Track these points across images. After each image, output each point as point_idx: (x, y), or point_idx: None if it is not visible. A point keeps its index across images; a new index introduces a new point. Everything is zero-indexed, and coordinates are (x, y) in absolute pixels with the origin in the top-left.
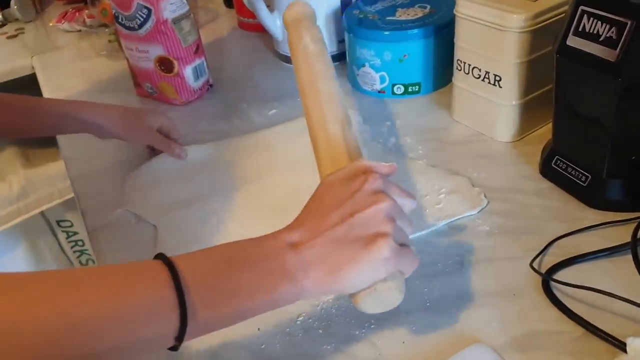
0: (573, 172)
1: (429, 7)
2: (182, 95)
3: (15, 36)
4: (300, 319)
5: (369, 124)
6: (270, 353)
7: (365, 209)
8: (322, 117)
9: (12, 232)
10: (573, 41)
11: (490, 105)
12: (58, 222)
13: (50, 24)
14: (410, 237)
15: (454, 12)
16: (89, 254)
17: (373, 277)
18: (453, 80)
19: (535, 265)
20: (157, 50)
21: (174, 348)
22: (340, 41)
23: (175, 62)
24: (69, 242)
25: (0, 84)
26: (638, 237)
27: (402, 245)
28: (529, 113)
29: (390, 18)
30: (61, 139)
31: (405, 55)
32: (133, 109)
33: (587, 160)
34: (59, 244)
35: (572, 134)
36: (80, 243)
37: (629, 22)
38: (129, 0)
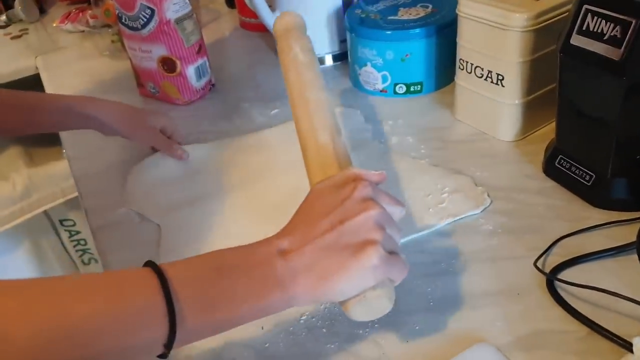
0: (577, 171)
1: (430, 6)
2: (184, 95)
3: (19, 37)
4: (303, 318)
5: (371, 124)
6: (274, 352)
7: (355, 216)
8: (311, 125)
9: (15, 231)
10: (577, 40)
11: (493, 104)
12: (61, 221)
13: (54, 25)
14: (414, 236)
15: (457, 11)
16: (91, 253)
17: (362, 285)
18: (455, 79)
19: (539, 264)
20: (160, 50)
21: (162, 356)
22: (342, 41)
23: (178, 62)
24: (72, 241)
25: (4, 84)
26: None
27: (392, 253)
28: (531, 112)
29: (392, 17)
30: (65, 138)
31: (407, 55)
32: (136, 108)
33: (591, 159)
34: (62, 243)
35: (576, 133)
36: (82, 242)
37: (634, 21)
38: (132, 0)
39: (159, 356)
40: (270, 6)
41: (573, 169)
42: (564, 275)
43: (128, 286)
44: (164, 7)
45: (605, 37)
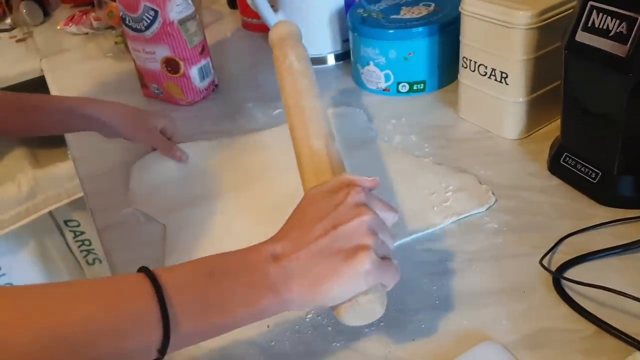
0: (583, 169)
1: (433, 5)
2: (188, 95)
3: (24, 39)
4: (309, 316)
5: (374, 123)
6: (280, 350)
7: (348, 221)
8: (306, 132)
9: (21, 232)
10: (582, 37)
11: (497, 102)
12: (65, 222)
13: (58, 27)
14: (418, 234)
15: (460, 9)
16: (96, 254)
17: (355, 290)
18: (459, 77)
19: (544, 262)
20: (163, 51)
21: None
22: (345, 40)
23: (182, 63)
24: (76, 241)
25: (10, 86)
26: None
27: (384, 258)
28: (535, 110)
29: (395, 16)
30: (70, 138)
31: (410, 54)
32: (137, 108)
33: (597, 157)
34: (67, 243)
35: (581, 131)
36: (87, 243)
37: None
38: (136, 2)
39: None
40: (272, 6)
41: (579, 166)
42: (570, 273)
43: (122, 292)
44: (168, 8)
45: (611, 34)
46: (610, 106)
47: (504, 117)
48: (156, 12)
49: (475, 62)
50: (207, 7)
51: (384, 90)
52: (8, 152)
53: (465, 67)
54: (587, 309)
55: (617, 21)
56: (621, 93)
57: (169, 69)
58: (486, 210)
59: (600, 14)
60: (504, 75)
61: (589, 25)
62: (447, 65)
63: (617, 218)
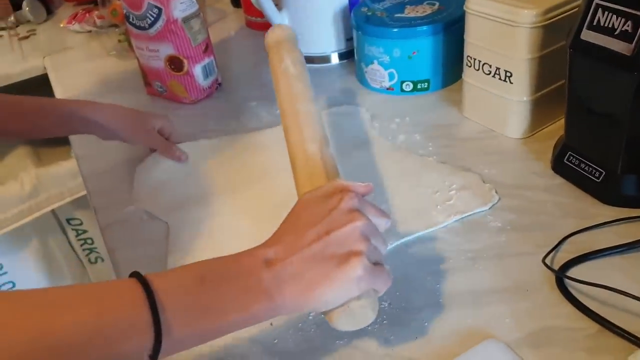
0: (586, 168)
1: (437, 4)
2: (191, 93)
3: (27, 37)
4: (312, 313)
5: (378, 121)
6: (283, 348)
7: (341, 227)
8: (300, 136)
9: (23, 230)
10: (587, 35)
11: (501, 101)
12: (68, 221)
13: (61, 25)
14: (422, 233)
15: (464, 8)
16: (98, 252)
17: (347, 295)
18: (463, 76)
19: (547, 261)
20: (167, 50)
21: None
22: (349, 39)
23: (185, 61)
24: (79, 240)
25: (13, 84)
26: None
27: (376, 263)
28: (540, 109)
29: (399, 15)
30: (73, 137)
31: (414, 52)
32: (134, 110)
33: (601, 156)
34: (69, 242)
35: (585, 130)
36: (89, 241)
37: None
38: (139, 0)
39: None
40: (276, 5)
41: (582, 165)
42: (573, 272)
43: (113, 297)
44: (171, 6)
45: (616, 32)
46: (614, 105)
47: (508, 116)
48: (160, 9)
49: (480, 61)
50: (211, 6)
51: (387, 89)
52: (11, 151)
53: (470, 66)
54: (590, 307)
55: (623, 20)
56: (626, 92)
57: (172, 67)
58: (489, 208)
59: (606, 13)
60: (508, 74)
61: (594, 23)
62: (452, 64)
63: (621, 217)
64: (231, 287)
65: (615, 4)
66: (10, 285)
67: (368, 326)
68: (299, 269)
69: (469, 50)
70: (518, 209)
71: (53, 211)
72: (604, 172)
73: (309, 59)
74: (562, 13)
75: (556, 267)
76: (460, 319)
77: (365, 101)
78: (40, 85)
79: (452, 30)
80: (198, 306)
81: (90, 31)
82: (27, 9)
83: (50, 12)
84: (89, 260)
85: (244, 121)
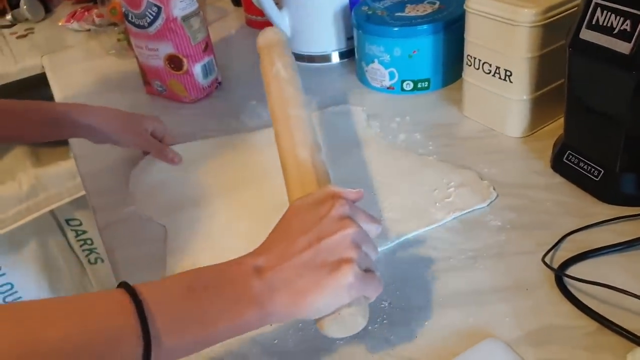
0: (585, 167)
1: (438, 3)
2: (191, 93)
3: (25, 36)
4: None
5: (378, 121)
6: (283, 347)
7: (332, 234)
8: (292, 142)
9: (22, 231)
10: (586, 34)
11: (501, 100)
12: (67, 221)
13: (60, 24)
14: (422, 230)
15: (464, 7)
16: (98, 253)
17: (338, 303)
18: (463, 75)
19: (547, 260)
20: (166, 48)
21: None
22: (349, 38)
23: (185, 60)
24: (78, 240)
25: (10, 83)
26: None
27: (367, 270)
28: (539, 108)
29: (399, 14)
30: None
31: (414, 51)
32: (126, 112)
33: (600, 155)
34: (68, 242)
35: (584, 129)
36: (89, 242)
37: None
38: None
39: None
40: (276, 4)
41: (581, 164)
42: (573, 270)
43: (101, 308)
44: (171, 4)
45: (615, 31)
46: (613, 104)
47: (508, 115)
48: (159, 8)
49: (480, 60)
50: (211, 4)
51: (388, 88)
52: (9, 151)
53: (470, 65)
54: (590, 305)
55: (622, 19)
56: (624, 91)
57: (172, 66)
58: (488, 205)
59: (605, 12)
60: (508, 73)
61: (593, 23)
62: (452, 63)
63: (620, 215)
64: (221, 295)
65: (614, 3)
66: (9, 286)
67: (368, 326)
68: (290, 276)
69: (469, 49)
70: (518, 208)
71: (52, 212)
72: (603, 171)
73: (310, 58)
74: (561, 12)
75: (556, 265)
76: (460, 318)
77: (366, 100)
78: (38, 84)
79: (452, 29)
80: (188, 315)
81: (89, 30)
82: (25, 7)
83: (48, 10)
84: (89, 260)
85: (244, 120)
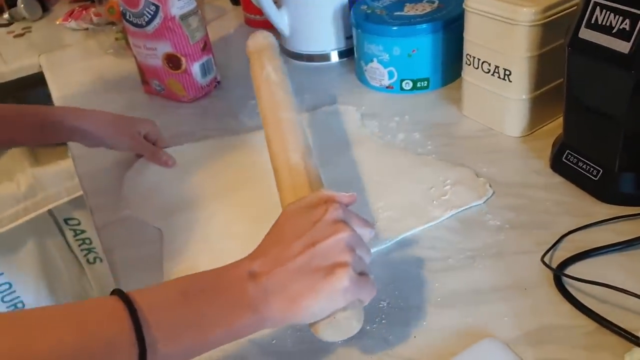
0: (584, 166)
1: (437, 2)
2: (189, 92)
3: (22, 35)
4: None
5: (377, 120)
6: (281, 348)
7: (326, 239)
8: (283, 146)
9: (20, 231)
10: (585, 34)
11: (500, 99)
12: (65, 221)
13: (57, 23)
14: (420, 228)
15: (463, 6)
16: (96, 252)
17: (333, 307)
18: (462, 74)
19: (546, 259)
20: (165, 47)
21: None
22: (348, 37)
23: (183, 59)
24: (77, 240)
25: (8, 82)
26: None
27: (361, 274)
28: (539, 107)
29: (399, 13)
30: None
31: (413, 51)
32: (119, 115)
33: (598, 154)
34: (67, 242)
35: (583, 128)
36: (87, 241)
37: None
38: None
39: None
40: (275, 3)
41: (580, 164)
42: (572, 270)
43: (96, 316)
44: (169, 3)
45: (614, 31)
46: (612, 103)
47: (507, 114)
48: (157, 7)
49: (479, 59)
50: (210, 3)
51: (387, 87)
52: (7, 150)
53: (469, 64)
54: (588, 305)
55: (621, 18)
56: (623, 90)
57: (170, 65)
58: (484, 202)
59: (604, 11)
60: (507, 72)
61: (592, 22)
62: (451, 63)
63: (618, 215)
64: (216, 301)
65: (613, 2)
66: (7, 286)
67: (367, 326)
68: (285, 281)
69: (468, 48)
70: (517, 208)
71: (50, 211)
72: (602, 171)
73: (309, 57)
74: (560, 11)
75: (554, 265)
76: (458, 317)
77: (365, 100)
78: (35, 83)
79: (451, 28)
80: (183, 321)
81: (86, 29)
82: (22, 5)
83: (45, 9)
84: (88, 260)
85: (243, 119)
